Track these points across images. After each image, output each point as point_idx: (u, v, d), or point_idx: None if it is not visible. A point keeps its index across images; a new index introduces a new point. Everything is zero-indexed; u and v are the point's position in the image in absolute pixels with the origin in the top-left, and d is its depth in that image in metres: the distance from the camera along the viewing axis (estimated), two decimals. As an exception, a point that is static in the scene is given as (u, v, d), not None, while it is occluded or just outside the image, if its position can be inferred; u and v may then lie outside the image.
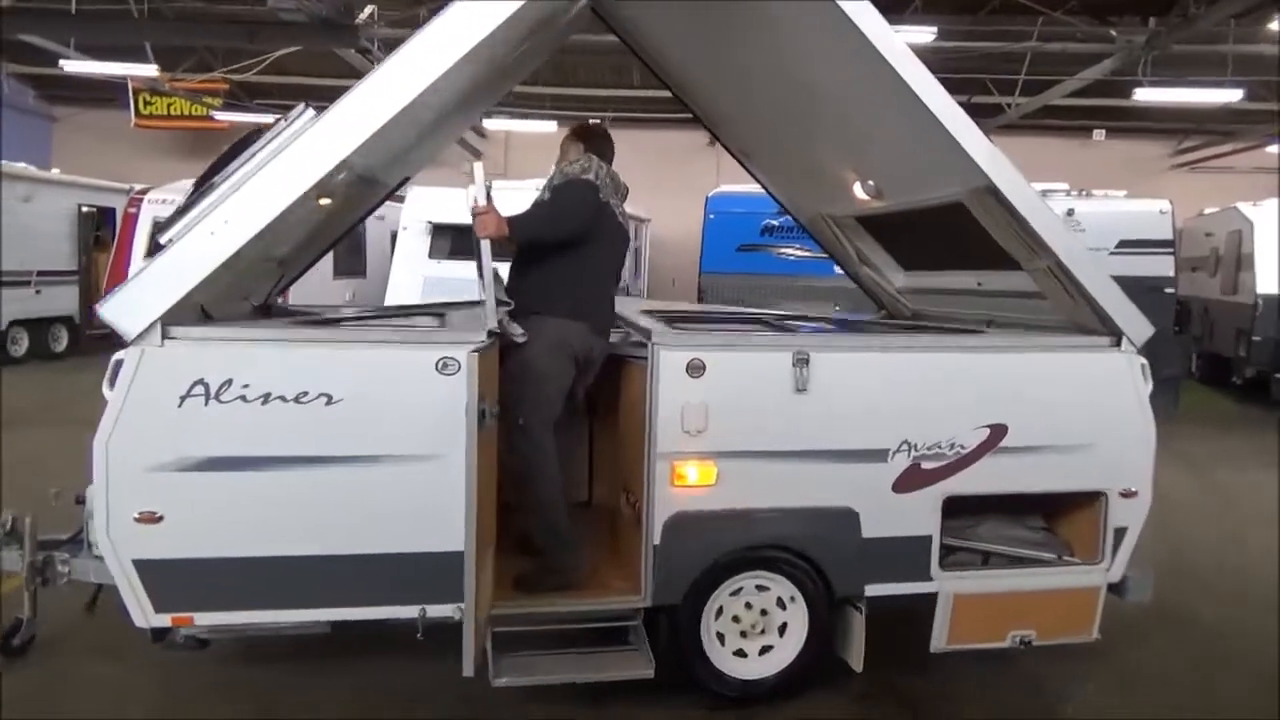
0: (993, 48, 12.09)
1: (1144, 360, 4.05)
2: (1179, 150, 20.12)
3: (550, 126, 16.96)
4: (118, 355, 3.27)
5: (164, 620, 3.38)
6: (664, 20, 4.51)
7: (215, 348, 3.35)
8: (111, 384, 3.26)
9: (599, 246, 4.02)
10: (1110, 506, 4.05)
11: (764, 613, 3.89)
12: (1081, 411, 3.99)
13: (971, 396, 3.91)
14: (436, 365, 3.37)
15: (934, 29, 10.41)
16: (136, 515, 3.29)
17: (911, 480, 3.87)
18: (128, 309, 3.25)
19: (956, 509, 3.99)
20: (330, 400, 3.39)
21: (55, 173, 15.43)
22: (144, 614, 3.35)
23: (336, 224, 4.81)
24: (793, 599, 3.88)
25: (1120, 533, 4.08)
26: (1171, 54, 12.10)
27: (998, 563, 4.16)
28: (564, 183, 4.01)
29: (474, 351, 2.98)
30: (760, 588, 3.87)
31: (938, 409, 3.88)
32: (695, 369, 3.66)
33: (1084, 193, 11.85)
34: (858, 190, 4.74)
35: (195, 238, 3.26)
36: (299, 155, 3.30)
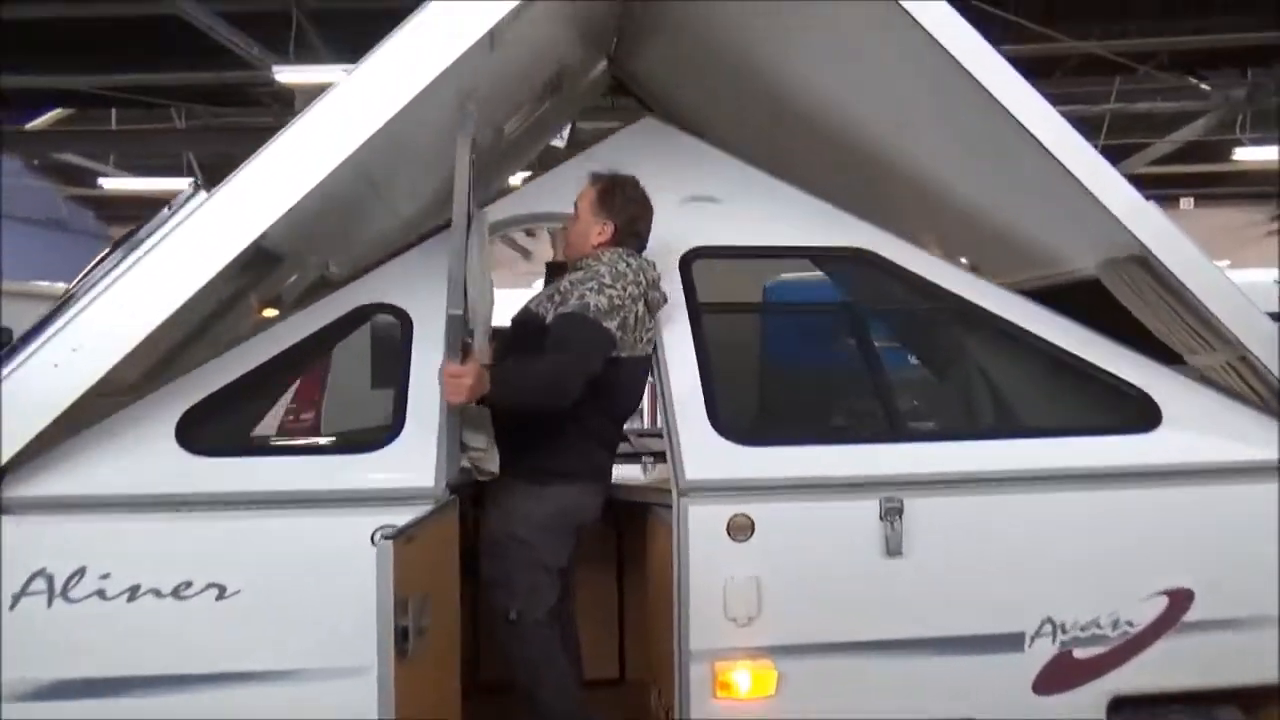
0: (1072, 111, 11.05)
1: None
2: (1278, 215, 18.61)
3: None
4: (-74, 538, 2.34)
5: None
6: (698, 64, 3.60)
7: (62, 524, 2.39)
8: (-82, 580, 2.32)
9: (612, 391, 2.79)
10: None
11: None
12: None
13: (1142, 549, 2.76)
14: (373, 538, 2.37)
15: None
16: (-47, 765, 2.31)
17: (1061, 676, 2.71)
18: (-62, 472, 2.33)
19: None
20: (223, 593, 2.41)
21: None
22: None
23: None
24: None
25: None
26: (1267, 109, 10.94)
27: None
28: (571, 316, 2.68)
29: (401, 537, 1.94)
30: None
31: (1094, 571, 2.73)
32: (740, 530, 2.60)
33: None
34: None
35: (33, 371, 2.35)
36: (182, 246, 2.39)
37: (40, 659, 2.36)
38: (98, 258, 2.72)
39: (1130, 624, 2.73)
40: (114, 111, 12.01)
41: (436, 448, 2.53)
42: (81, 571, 2.37)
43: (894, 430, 2.80)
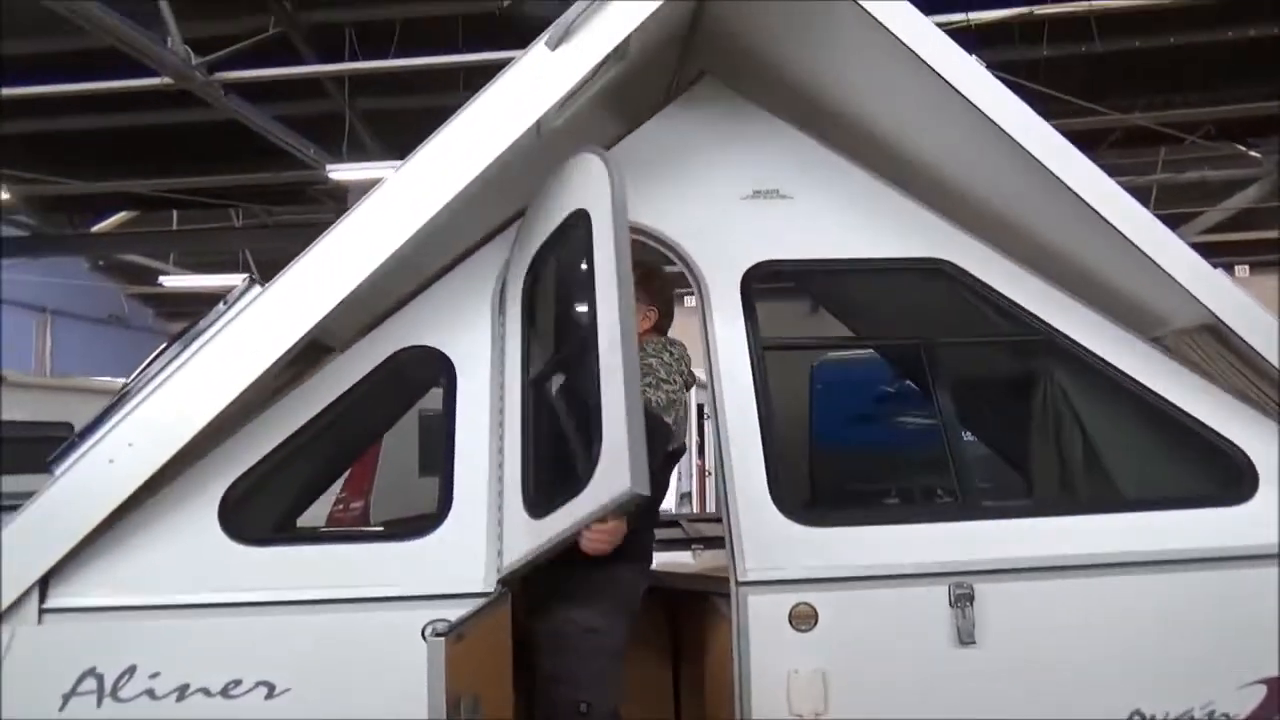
0: (1120, 183, 10.95)
1: None
2: (1336, 281, 18.16)
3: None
4: (-21, 638, 2.32)
5: None
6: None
7: (112, 623, 2.36)
8: (-32, 679, 2.30)
9: (656, 480, 2.82)
10: None
11: None
12: None
13: (1236, 636, 2.58)
14: (424, 633, 2.30)
15: None
16: None
17: (1154, 773, 2.52)
18: (-8, 573, 2.33)
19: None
20: (272, 692, 2.35)
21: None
22: None
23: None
24: None
25: None
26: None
27: None
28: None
29: (453, 634, 1.88)
30: None
31: (1184, 660, 2.56)
32: (803, 619, 2.48)
33: (1238, 335, 10.29)
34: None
35: (88, 468, 2.36)
36: (236, 341, 2.42)
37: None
38: (154, 353, 2.74)
39: (1227, 716, 2.54)
40: (175, 213, 12.49)
41: (486, 534, 2.45)
42: (131, 670, 2.33)
43: (963, 509, 2.66)
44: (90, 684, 2.32)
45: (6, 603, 2.31)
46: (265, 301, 2.45)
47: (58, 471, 2.38)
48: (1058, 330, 2.77)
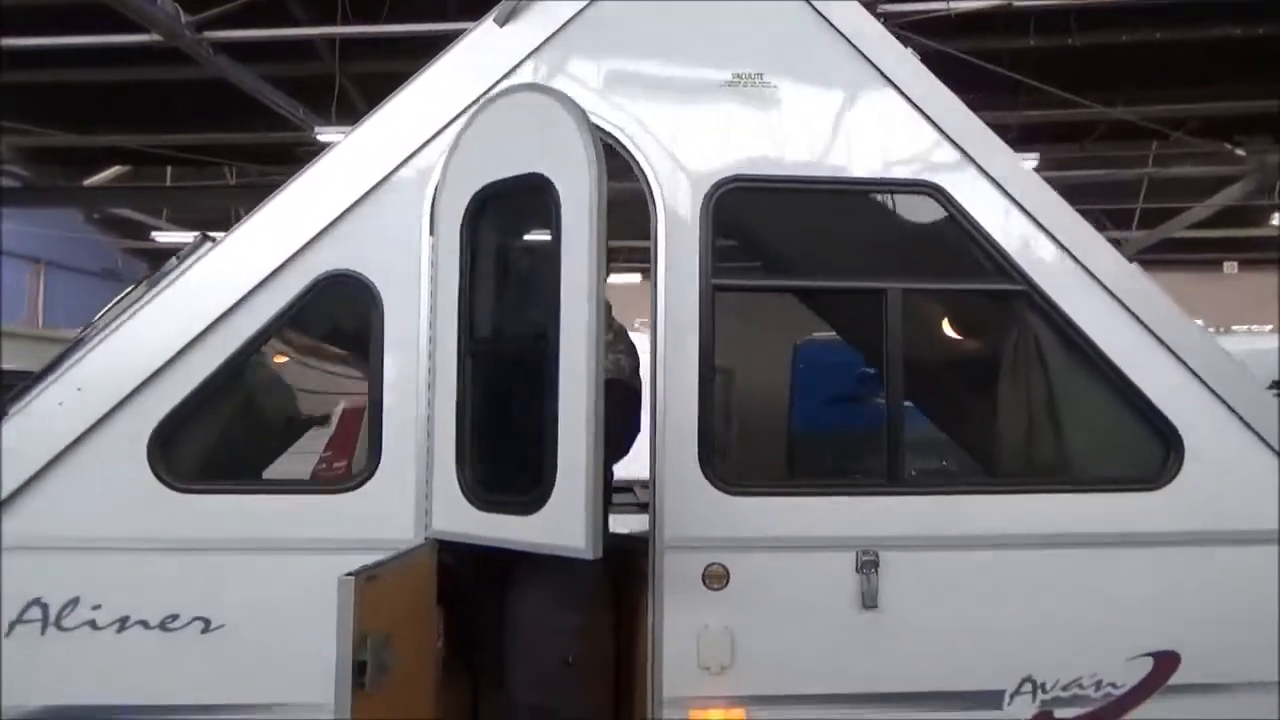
0: (1104, 176, 11.02)
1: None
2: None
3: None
4: (-66, 567, 2.46)
5: None
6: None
7: (59, 558, 2.49)
8: (-76, 606, 2.44)
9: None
10: (1353, 778, 2.72)
11: None
12: (1293, 633, 2.74)
13: (1127, 611, 2.72)
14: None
15: (1035, 156, 9.44)
16: (-55, 793, 2.39)
17: (1042, 737, 2.67)
18: (-54, 506, 2.46)
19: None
20: (208, 626, 2.49)
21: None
22: None
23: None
24: None
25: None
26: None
27: None
28: (619, 383, 2.89)
29: (363, 576, 2.02)
30: None
31: (1076, 631, 2.70)
32: (716, 579, 2.62)
33: (1223, 329, 10.42)
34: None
35: (39, 410, 2.49)
36: (184, 295, 2.54)
37: (34, 686, 2.45)
38: (109, 304, 2.86)
39: (1114, 686, 2.69)
40: (169, 169, 12.54)
41: (415, 488, 2.56)
42: (74, 601, 2.47)
43: (876, 483, 2.76)
44: (35, 613, 2.46)
45: (-43, 534, 2.45)
46: (213, 258, 2.58)
47: (10, 412, 2.51)
48: (1036, 284, 2.70)
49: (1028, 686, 2.67)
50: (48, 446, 2.48)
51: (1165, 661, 2.71)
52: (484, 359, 2.49)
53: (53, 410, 2.49)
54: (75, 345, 2.69)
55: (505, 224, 2.50)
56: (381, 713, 2.04)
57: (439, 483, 2.52)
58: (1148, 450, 2.78)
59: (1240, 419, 2.75)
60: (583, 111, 2.25)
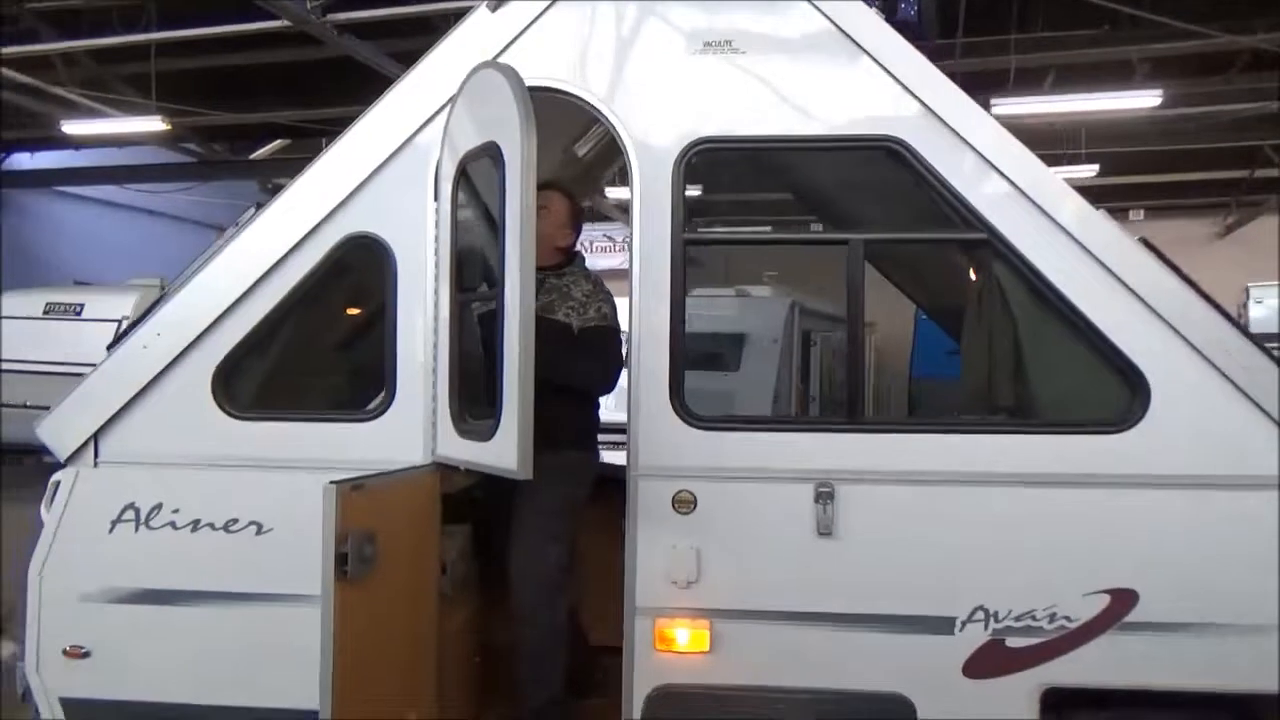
0: (1249, 110, 10.16)
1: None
2: None
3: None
4: (55, 476, 3.10)
5: (82, 774, 3.07)
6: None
7: (145, 471, 3.08)
8: (48, 506, 3.08)
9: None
10: (1321, 719, 2.75)
11: (792, 828, 2.95)
12: (1258, 576, 2.77)
13: (1083, 549, 2.83)
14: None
15: (1158, 93, 8.86)
16: (65, 649, 3.04)
17: (992, 662, 2.83)
18: (62, 428, 3.08)
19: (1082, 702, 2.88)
20: (260, 529, 3.01)
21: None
22: (72, 759, 3.07)
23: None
24: (828, 813, 2.91)
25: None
26: None
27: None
28: (606, 329, 3.32)
29: (347, 485, 2.46)
30: (785, 793, 2.94)
31: (1030, 565, 2.83)
32: (684, 504, 2.92)
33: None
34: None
35: (129, 351, 3.07)
36: (235, 255, 3.05)
37: (128, 571, 3.04)
38: (190, 263, 3.42)
39: (1068, 619, 2.81)
40: (323, 140, 13.64)
41: (423, 418, 2.98)
42: (159, 506, 3.04)
43: (835, 420, 2.98)
44: (130, 514, 3.05)
45: (72, 450, 3.07)
46: (261, 222, 3.07)
47: (110, 353, 3.10)
48: (998, 233, 2.82)
49: (980, 615, 2.83)
50: (135, 381, 3.05)
51: (1122, 598, 2.80)
52: (466, 309, 2.88)
53: (139, 352, 3.06)
54: (161, 298, 3.25)
55: (478, 188, 2.85)
56: (364, 600, 2.48)
57: (441, 415, 2.94)
58: (1113, 394, 2.86)
59: (1210, 364, 2.78)
60: (519, 81, 2.57)
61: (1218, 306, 2.93)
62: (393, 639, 2.69)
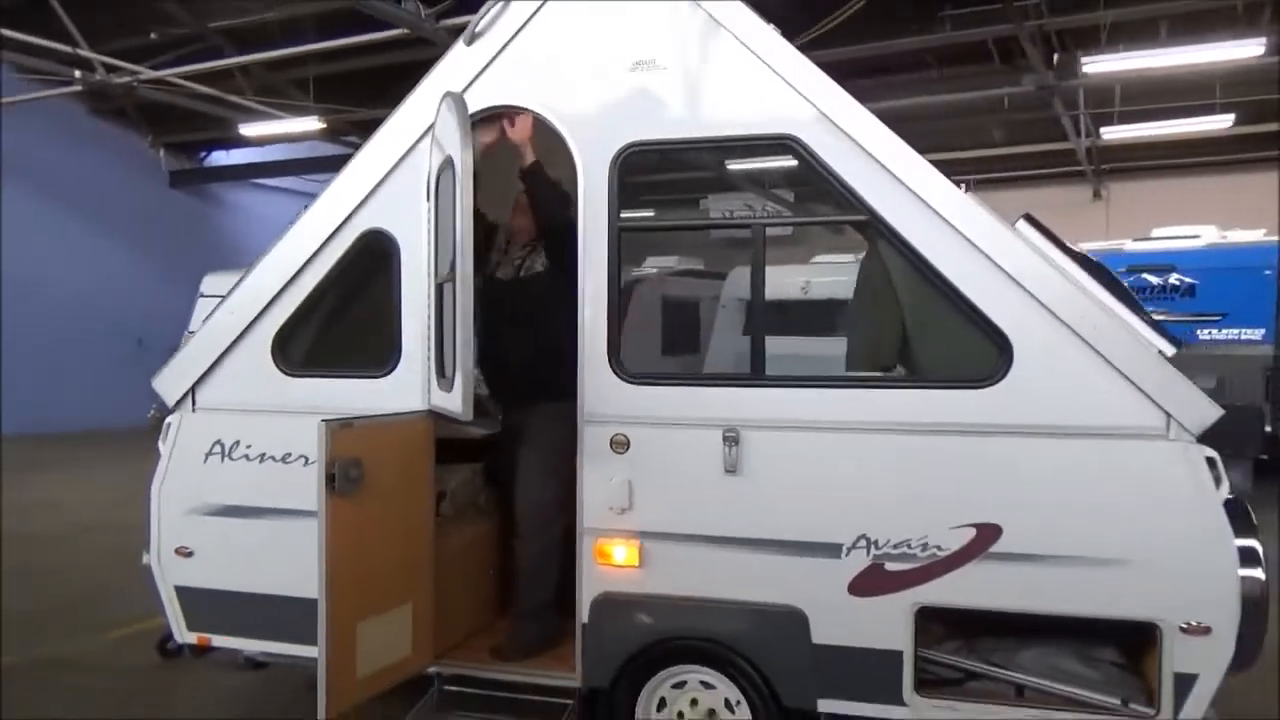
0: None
1: (1211, 454, 3.06)
2: None
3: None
4: (167, 419, 4.11)
5: (191, 638, 4.10)
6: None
7: (227, 415, 4.04)
8: (163, 442, 4.10)
9: None
10: (1167, 643, 3.08)
11: (711, 713, 3.55)
12: (1110, 515, 3.11)
13: (952, 488, 3.26)
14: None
15: (1262, 41, 8.35)
16: (176, 549, 4.06)
17: (873, 583, 3.32)
18: (170, 382, 4.08)
19: (989, 628, 3.40)
20: (308, 461, 3.90)
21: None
22: (180, 631, 4.10)
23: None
24: (739, 703, 3.50)
25: (1186, 680, 3.07)
26: None
27: (1034, 699, 3.35)
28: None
29: (336, 423, 3.27)
30: (706, 684, 3.55)
31: (906, 501, 3.29)
32: (619, 445, 3.56)
33: None
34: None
35: (219, 318, 4.02)
36: (288, 243, 3.93)
37: (217, 492, 4.02)
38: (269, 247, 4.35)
39: (939, 548, 3.25)
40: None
41: (421, 375, 3.78)
42: (237, 443, 3.99)
43: (744, 378, 3.53)
44: (218, 449, 4.02)
45: (177, 399, 4.06)
46: (306, 219, 3.93)
47: (205, 321, 4.07)
48: (878, 214, 3.27)
49: (863, 542, 3.32)
50: (219, 346, 4.00)
51: (987, 531, 3.21)
52: (441, 288, 3.63)
53: (223, 322, 4.01)
54: (245, 274, 4.19)
55: (444, 191, 3.59)
56: (354, 511, 3.29)
57: (432, 373, 3.71)
58: (979, 354, 3.25)
59: (1067, 326, 3.13)
60: (463, 108, 3.29)
61: (1098, 273, 3.27)
62: (386, 544, 3.50)
